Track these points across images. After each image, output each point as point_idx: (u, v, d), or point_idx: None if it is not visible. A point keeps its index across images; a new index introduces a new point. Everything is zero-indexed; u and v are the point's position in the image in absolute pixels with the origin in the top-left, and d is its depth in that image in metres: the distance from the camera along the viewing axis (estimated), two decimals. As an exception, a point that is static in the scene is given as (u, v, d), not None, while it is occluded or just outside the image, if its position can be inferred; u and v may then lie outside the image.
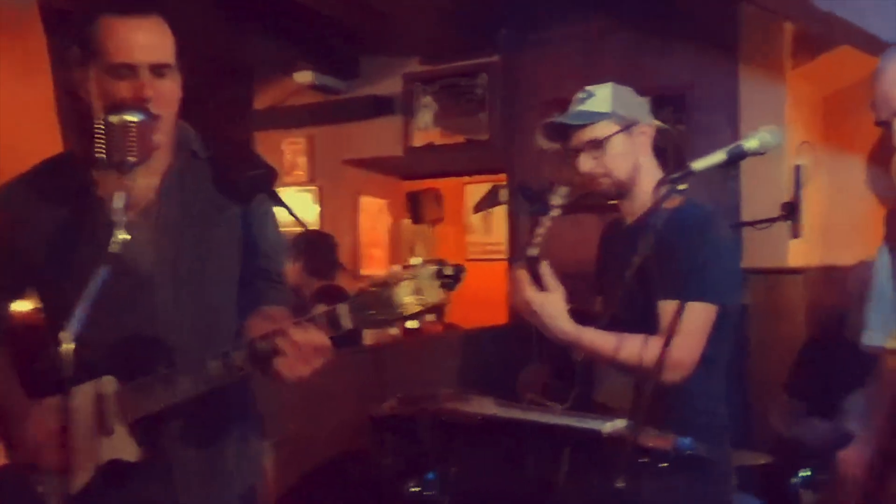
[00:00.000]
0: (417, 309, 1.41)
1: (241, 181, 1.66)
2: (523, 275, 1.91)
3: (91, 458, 1.53)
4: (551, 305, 1.89)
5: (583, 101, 2.06)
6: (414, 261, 1.44)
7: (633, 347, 1.85)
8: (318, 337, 1.45)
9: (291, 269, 3.73)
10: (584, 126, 2.03)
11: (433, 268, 1.41)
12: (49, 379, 1.58)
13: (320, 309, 1.48)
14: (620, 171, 2.03)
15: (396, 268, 1.46)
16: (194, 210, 1.66)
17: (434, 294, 1.41)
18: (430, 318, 1.55)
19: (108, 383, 1.56)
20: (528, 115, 4.27)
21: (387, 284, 1.41)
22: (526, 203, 2.10)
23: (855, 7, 3.04)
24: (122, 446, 1.55)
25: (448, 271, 1.41)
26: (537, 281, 1.90)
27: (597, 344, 1.91)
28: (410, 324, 1.44)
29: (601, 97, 2.03)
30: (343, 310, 1.45)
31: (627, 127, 2.03)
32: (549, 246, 2.06)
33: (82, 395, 1.53)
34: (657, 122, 2.12)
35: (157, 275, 1.61)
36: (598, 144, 2.02)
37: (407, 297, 1.40)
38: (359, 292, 1.45)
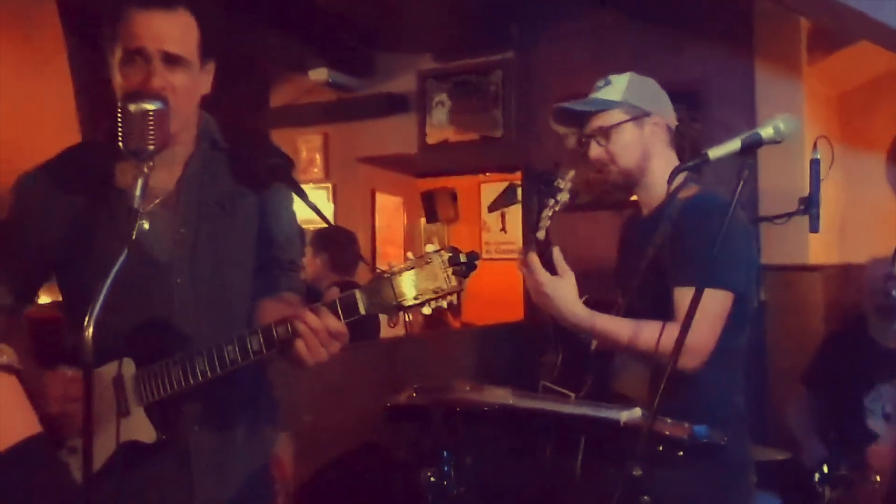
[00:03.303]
0: (431, 296, 1.44)
1: (260, 169, 1.68)
2: (534, 259, 1.91)
3: (109, 438, 1.55)
4: (563, 289, 1.89)
5: (599, 88, 2.07)
6: (428, 248, 1.46)
7: (648, 334, 1.84)
8: (333, 322, 1.47)
9: (312, 263, 3.77)
10: (596, 113, 2.04)
11: (447, 255, 1.44)
12: (69, 363, 1.60)
13: (333, 294, 1.49)
14: (627, 161, 2.04)
15: (410, 255, 1.48)
16: (213, 199, 1.68)
17: (447, 281, 1.43)
18: (444, 303, 1.55)
19: (127, 365, 1.57)
20: (542, 111, 4.26)
21: (401, 271, 1.44)
22: (533, 187, 2.10)
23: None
24: (139, 428, 1.57)
25: (462, 258, 1.44)
26: (547, 265, 1.90)
27: (610, 330, 1.91)
28: (424, 310, 1.45)
29: (615, 86, 2.04)
30: (357, 295, 1.47)
31: (637, 117, 2.03)
32: (568, 243, 2.05)
33: (101, 377, 1.55)
34: (673, 118, 2.12)
35: (176, 262, 1.63)
36: (605, 132, 2.03)
37: (421, 284, 1.43)
38: (373, 279, 1.47)
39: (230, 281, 1.69)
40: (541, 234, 1.98)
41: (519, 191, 5.89)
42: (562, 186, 2.02)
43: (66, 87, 3.73)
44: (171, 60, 1.57)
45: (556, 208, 2.02)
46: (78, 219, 1.63)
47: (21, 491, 1.02)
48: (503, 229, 7.49)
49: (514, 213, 6.94)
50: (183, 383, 1.54)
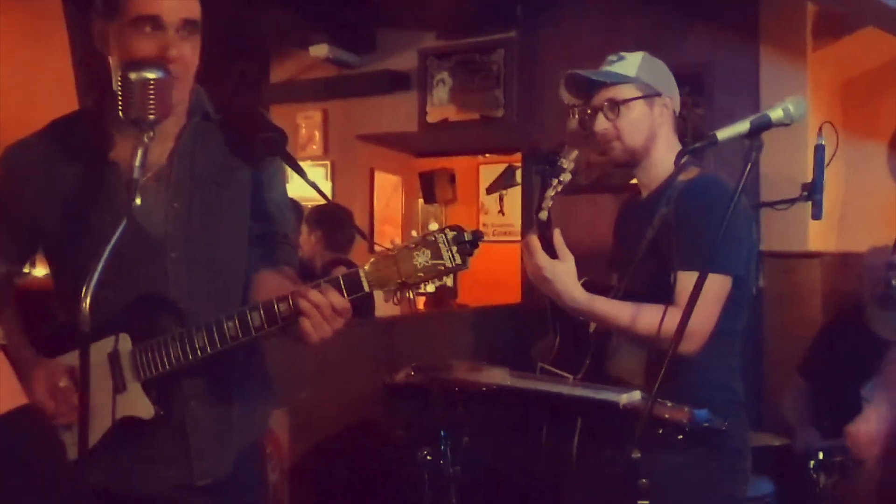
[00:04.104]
0: (434, 273, 1.44)
1: (253, 143, 1.66)
2: (535, 241, 1.90)
3: (105, 414, 1.53)
4: (563, 273, 1.88)
5: (612, 62, 2.06)
6: (432, 226, 1.46)
7: (649, 318, 1.84)
8: (338, 299, 1.46)
9: (307, 240, 3.75)
10: (607, 86, 2.02)
11: (451, 233, 1.44)
12: (59, 339, 1.58)
13: (339, 272, 1.48)
14: (633, 139, 2.03)
15: (415, 233, 1.47)
16: (206, 172, 1.65)
17: (452, 259, 1.43)
18: (448, 282, 1.56)
19: (123, 341, 1.56)
20: (545, 92, 4.24)
21: (406, 249, 1.44)
22: (536, 167, 2.08)
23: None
24: (136, 404, 1.55)
25: (466, 237, 1.44)
26: (548, 246, 1.89)
27: (610, 313, 1.90)
28: (428, 287, 1.47)
29: (630, 62, 2.03)
30: (362, 273, 1.47)
31: (648, 96, 2.02)
32: (568, 225, 2.04)
33: (96, 353, 1.52)
34: (679, 103, 2.10)
35: (169, 237, 1.61)
36: (615, 106, 2.01)
37: (425, 262, 1.43)
38: (377, 256, 1.46)
39: (224, 255, 1.67)
40: (543, 215, 1.96)
41: (518, 173, 5.86)
42: (565, 166, 2.00)
43: (65, 58, 3.69)
44: (187, 28, 1.54)
45: (559, 188, 2.00)
46: (69, 190, 1.60)
47: (8, 463, 1.01)
48: (501, 211, 7.47)
49: (513, 196, 6.92)
50: (182, 359, 1.52)
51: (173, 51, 1.51)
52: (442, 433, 2.00)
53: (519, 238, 4.83)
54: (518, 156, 5.28)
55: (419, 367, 2.08)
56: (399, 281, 1.45)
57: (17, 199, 1.63)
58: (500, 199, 7.47)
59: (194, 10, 1.55)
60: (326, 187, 5.35)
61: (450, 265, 1.44)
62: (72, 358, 1.52)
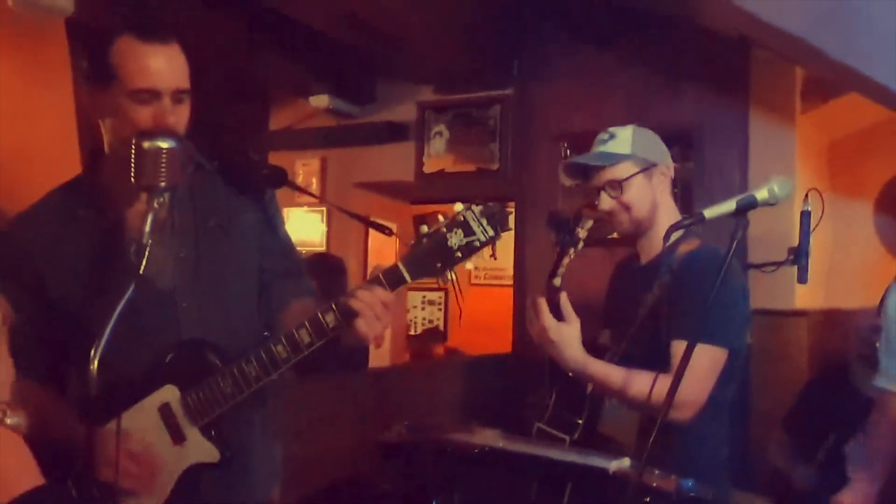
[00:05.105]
0: (472, 250, 1.47)
1: (254, 184, 1.70)
2: (543, 303, 1.97)
3: (170, 468, 1.55)
4: (568, 335, 1.95)
5: (604, 142, 2.12)
6: (457, 207, 1.48)
7: (643, 384, 1.87)
8: (384, 293, 1.50)
9: None
10: (605, 166, 2.08)
11: (478, 207, 1.47)
12: (84, 403, 1.57)
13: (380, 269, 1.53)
14: (639, 211, 2.09)
15: (441, 217, 1.50)
16: (208, 220, 1.70)
17: (484, 232, 1.46)
18: (488, 254, 1.57)
19: (170, 392, 1.57)
20: (539, 147, 4.33)
21: (437, 233, 1.47)
22: (553, 232, 2.16)
23: (865, 56, 3.09)
24: (201, 450, 1.57)
25: (494, 207, 1.48)
26: (555, 310, 1.95)
27: (607, 376, 1.96)
28: (467, 265, 1.49)
29: (622, 139, 2.10)
30: (401, 265, 1.50)
31: (646, 168, 2.09)
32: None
33: (145, 412, 1.55)
34: (672, 167, 2.17)
35: (179, 289, 1.64)
36: (617, 185, 2.08)
37: (459, 241, 1.46)
38: (413, 246, 1.50)
39: (235, 298, 1.70)
40: (557, 281, 2.04)
41: (511, 218, 5.91)
42: (581, 236, 2.09)
43: (70, 105, 3.74)
44: (180, 95, 1.59)
45: (573, 256, 2.09)
46: (78, 257, 1.63)
47: None
48: (493, 256, 7.49)
49: (505, 240, 6.95)
50: (236, 394, 1.54)
51: (171, 119, 1.56)
52: (434, 493, 2.02)
53: (510, 282, 4.87)
54: (512, 204, 5.35)
55: (412, 426, 2.11)
56: (437, 265, 1.47)
57: (29, 267, 1.64)
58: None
59: (186, 80, 1.60)
60: (320, 231, 5.41)
61: (484, 239, 1.46)
62: (125, 421, 1.50)
